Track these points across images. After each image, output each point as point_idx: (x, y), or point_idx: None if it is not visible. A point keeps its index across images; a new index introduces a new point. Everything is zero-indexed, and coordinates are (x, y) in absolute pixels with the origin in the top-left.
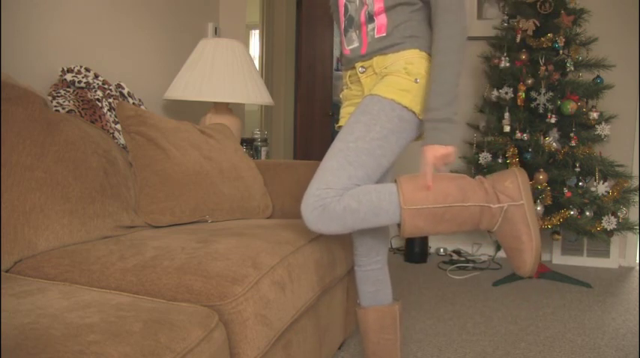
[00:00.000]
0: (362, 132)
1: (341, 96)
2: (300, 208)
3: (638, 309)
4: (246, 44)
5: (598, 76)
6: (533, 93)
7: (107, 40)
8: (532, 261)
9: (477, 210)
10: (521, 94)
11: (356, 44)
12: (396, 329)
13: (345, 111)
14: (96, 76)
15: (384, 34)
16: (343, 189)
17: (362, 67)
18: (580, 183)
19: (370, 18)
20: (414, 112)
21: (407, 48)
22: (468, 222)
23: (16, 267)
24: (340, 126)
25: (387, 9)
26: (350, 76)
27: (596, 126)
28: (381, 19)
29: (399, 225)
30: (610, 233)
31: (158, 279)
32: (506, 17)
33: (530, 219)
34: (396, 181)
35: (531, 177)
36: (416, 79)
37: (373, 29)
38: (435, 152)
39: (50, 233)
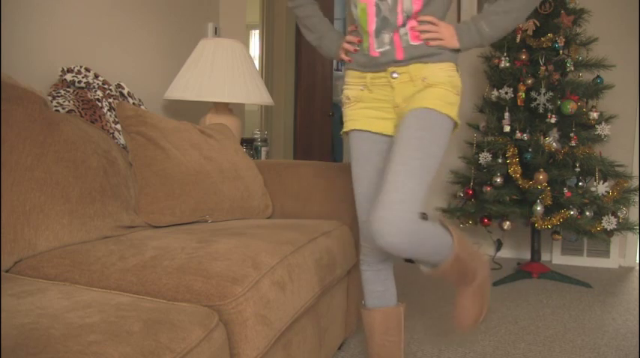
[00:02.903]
0: (429, 149)
1: (348, 95)
2: (380, 227)
3: (638, 309)
4: (246, 44)
5: (598, 76)
6: (533, 93)
7: (107, 40)
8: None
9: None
10: (521, 94)
11: (387, 47)
12: (400, 331)
13: (361, 114)
14: (96, 76)
15: (421, 42)
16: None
17: (395, 72)
18: (580, 183)
19: (406, 20)
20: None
21: (446, 60)
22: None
23: (16, 266)
24: (355, 129)
25: (425, 4)
26: (373, 79)
27: (596, 126)
28: (414, 23)
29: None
30: (610, 233)
31: (158, 279)
32: None
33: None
34: (450, 232)
35: (531, 177)
36: (457, 92)
37: (406, 34)
38: (450, 33)
39: (50, 233)
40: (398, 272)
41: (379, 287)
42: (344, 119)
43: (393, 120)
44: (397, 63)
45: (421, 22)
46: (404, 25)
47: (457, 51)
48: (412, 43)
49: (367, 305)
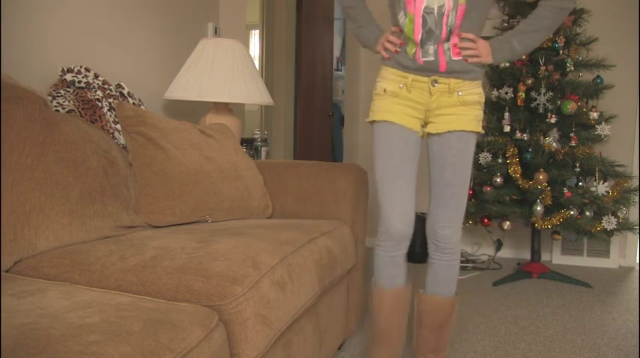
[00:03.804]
0: (470, 168)
1: (385, 88)
2: (445, 232)
3: (638, 309)
4: (246, 44)
5: (598, 76)
6: (533, 93)
7: (107, 39)
8: None
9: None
10: (521, 94)
11: (431, 58)
12: (406, 309)
13: (398, 110)
14: (96, 76)
15: (461, 58)
16: None
17: (437, 81)
18: (580, 183)
19: (449, 34)
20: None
21: (478, 78)
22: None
23: (16, 266)
24: (388, 121)
25: (467, 20)
26: (414, 81)
27: (596, 126)
28: (457, 39)
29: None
30: (610, 233)
31: (158, 279)
32: (506, 17)
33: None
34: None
35: (531, 177)
36: (483, 107)
37: (449, 49)
38: (487, 50)
39: (50, 233)
40: None
41: (393, 271)
42: (374, 108)
43: (420, 120)
44: (439, 74)
45: (462, 40)
46: (447, 39)
47: (485, 65)
48: (454, 58)
49: (379, 284)
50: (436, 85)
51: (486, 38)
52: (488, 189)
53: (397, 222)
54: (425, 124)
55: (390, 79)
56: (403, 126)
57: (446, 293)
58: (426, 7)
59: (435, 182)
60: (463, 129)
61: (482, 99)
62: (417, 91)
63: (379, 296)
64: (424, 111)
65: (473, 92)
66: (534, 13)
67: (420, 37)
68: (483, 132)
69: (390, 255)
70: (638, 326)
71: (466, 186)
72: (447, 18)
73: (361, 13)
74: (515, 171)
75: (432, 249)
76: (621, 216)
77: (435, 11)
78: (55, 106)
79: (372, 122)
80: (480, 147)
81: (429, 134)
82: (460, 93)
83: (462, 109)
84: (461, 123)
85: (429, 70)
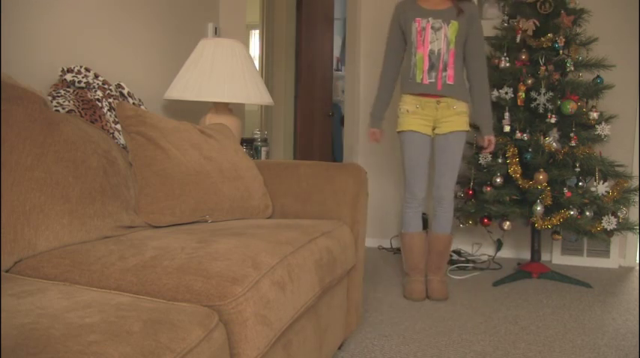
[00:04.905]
0: (460, 154)
1: (407, 109)
2: (444, 192)
3: (638, 309)
4: (246, 44)
5: (598, 76)
6: (533, 93)
7: (107, 40)
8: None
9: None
10: (521, 94)
11: (433, 80)
12: (426, 242)
13: (416, 122)
14: (96, 76)
15: (452, 83)
16: None
17: (439, 101)
18: (580, 183)
19: (445, 67)
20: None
21: (465, 100)
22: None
23: (16, 266)
24: (411, 130)
25: (456, 59)
26: (425, 102)
27: (596, 126)
28: (450, 71)
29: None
30: (610, 233)
31: (158, 279)
32: (506, 17)
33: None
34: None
35: (531, 177)
36: (469, 114)
37: (445, 76)
38: (492, 137)
39: (50, 233)
40: (398, 272)
41: (417, 221)
42: (401, 121)
43: (430, 126)
44: (437, 91)
45: (487, 147)
46: (444, 69)
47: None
48: (448, 82)
49: (410, 231)
50: (440, 103)
51: (486, 38)
52: (489, 189)
53: (417, 190)
54: (434, 128)
55: (409, 102)
56: (419, 133)
57: (444, 231)
58: (430, 50)
59: (438, 162)
60: (458, 130)
61: (469, 112)
62: (427, 109)
63: (411, 238)
64: (433, 120)
65: (462, 107)
66: (475, 90)
67: (427, 66)
68: (470, 130)
69: (414, 211)
70: (638, 326)
71: (457, 165)
72: (443, 56)
73: (385, 94)
74: (515, 171)
75: (436, 205)
76: (621, 216)
77: (436, 52)
78: (55, 106)
79: (400, 132)
80: (480, 148)
81: (436, 134)
82: (454, 107)
83: (456, 117)
84: (456, 125)
85: (431, 88)
